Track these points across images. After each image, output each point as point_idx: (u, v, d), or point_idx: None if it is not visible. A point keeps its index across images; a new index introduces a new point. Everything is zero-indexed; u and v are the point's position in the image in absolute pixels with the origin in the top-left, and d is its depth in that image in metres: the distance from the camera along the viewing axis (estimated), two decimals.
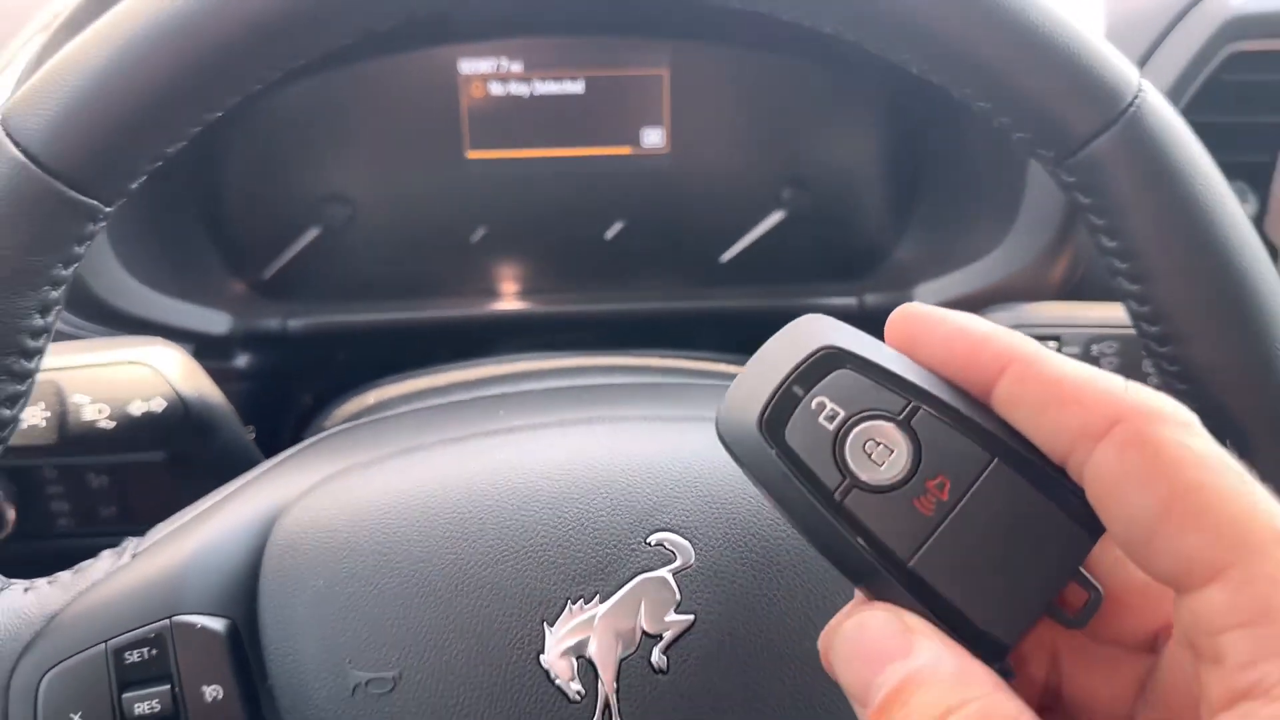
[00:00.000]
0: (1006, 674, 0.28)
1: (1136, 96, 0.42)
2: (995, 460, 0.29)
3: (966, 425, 0.29)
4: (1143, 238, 0.43)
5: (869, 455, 0.30)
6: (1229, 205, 0.43)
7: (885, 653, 0.28)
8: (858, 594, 0.31)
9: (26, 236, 0.40)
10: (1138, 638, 0.31)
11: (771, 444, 0.30)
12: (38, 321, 0.41)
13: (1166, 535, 0.25)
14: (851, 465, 0.30)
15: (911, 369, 0.31)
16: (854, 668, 0.28)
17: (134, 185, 0.42)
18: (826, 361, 0.31)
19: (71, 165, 0.40)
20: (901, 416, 0.30)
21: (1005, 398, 0.29)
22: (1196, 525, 0.25)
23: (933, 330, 0.30)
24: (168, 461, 0.72)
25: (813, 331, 0.31)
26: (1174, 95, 0.66)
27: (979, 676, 0.27)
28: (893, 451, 0.30)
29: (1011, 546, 0.28)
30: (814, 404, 0.30)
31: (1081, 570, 0.29)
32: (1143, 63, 0.67)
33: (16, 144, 0.39)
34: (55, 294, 0.42)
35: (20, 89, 0.41)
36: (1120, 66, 0.42)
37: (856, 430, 0.30)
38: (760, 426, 0.30)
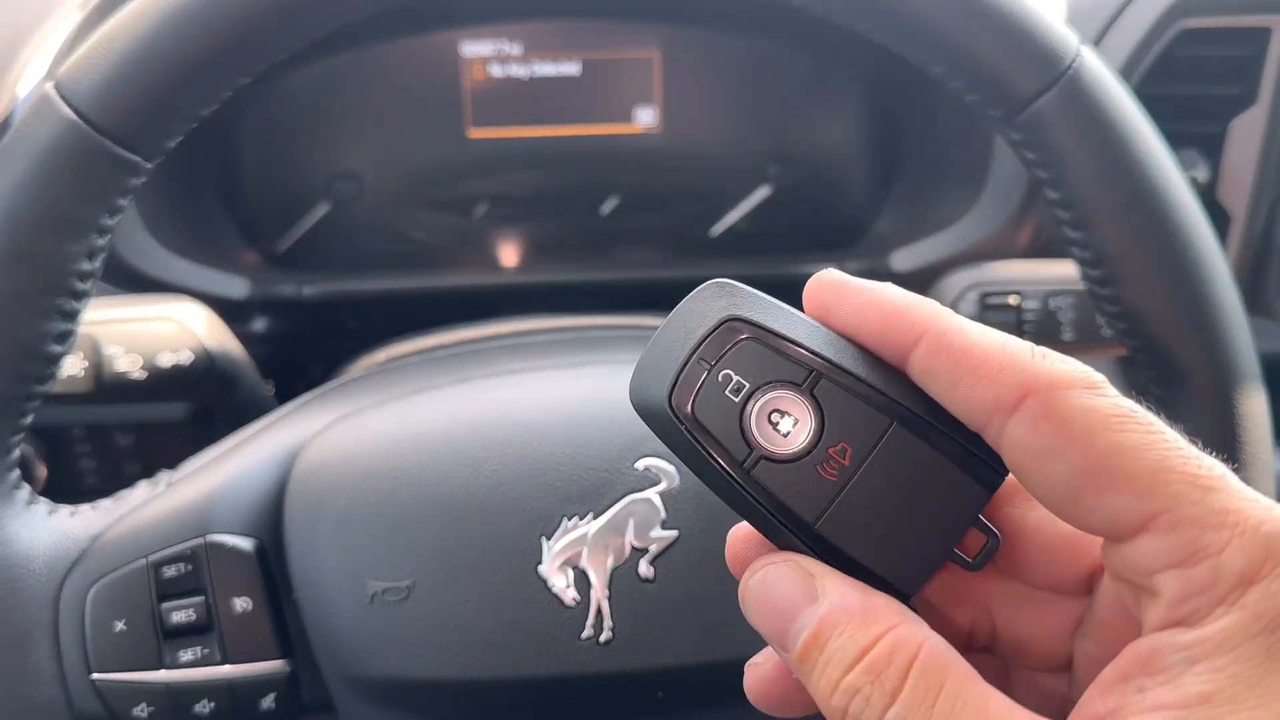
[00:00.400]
0: None
1: (1075, 59, 0.46)
2: (894, 424, 0.30)
3: (866, 391, 0.30)
4: (1083, 188, 0.47)
5: (775, 426, 0.30)
6: (1162, 158, 0.47)
7: (792, 602, 0.29)
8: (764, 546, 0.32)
9: (77, 187, 0.44)
10: (1071, 581, 0.32)
11: (680, 420, 0.31)
12: (85, 266, 0.46)
13: (1089, 498, 0.26)
14: (758, 438, 0.30)
15: (815, 336, 0.31)
16: (768, 619, 0.29)
17: (171, 143, 0.46)
18: (731, 332, 0.31)
19: (117, 124, 0.44)
20: (804, 384, 0.30)
21: (919, 369, 0.29)
22: (1116, 486, 0.26)
23: (848, 299, 0.31)
24: (189, 420, 0.77)
25: (718, 300, 0.32)
26: (1128, 69, 0.69)
27: (884, 610, 0.28)
28: (797, 421, 0.30)
29: (911, 504, 0.30)
30: (720, 376, 0.31)
31: (981, 518, 0.31)
32: (1099, 39, 0.71)
33: (70, 105, 0.43)
34: (101, 242, 0.46)
35: (71, 58, 0.45)
36: (1060, 32, 0.46)
37: (761, 401, 0.30)
38: (669, 402, 0.31)
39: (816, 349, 0.31)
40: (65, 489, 0.80)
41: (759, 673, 0.33)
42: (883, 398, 0.30)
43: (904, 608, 0.29)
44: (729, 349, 0.31)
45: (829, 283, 0.31)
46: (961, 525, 0.30)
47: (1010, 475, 0.30)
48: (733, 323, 0.31)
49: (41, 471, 0.78)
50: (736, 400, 0.31)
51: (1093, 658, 0.31)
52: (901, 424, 0.30)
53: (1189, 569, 0.25)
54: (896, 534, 0.30)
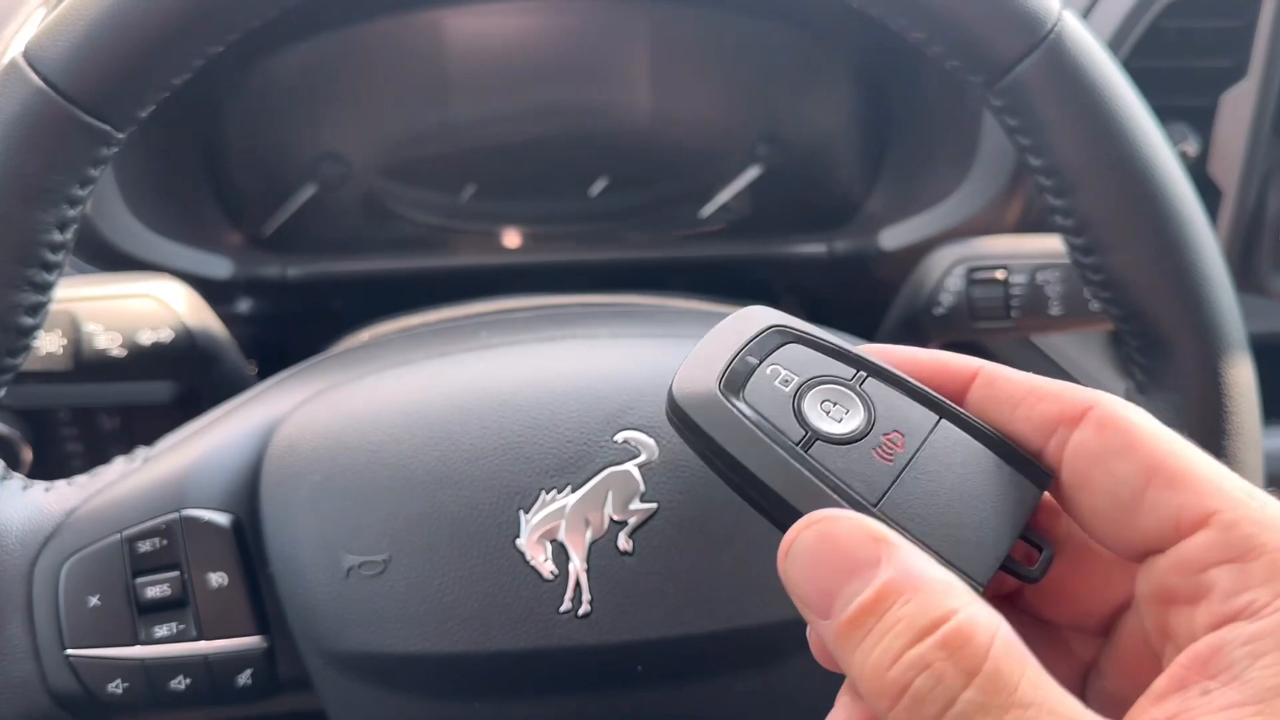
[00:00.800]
0: None
1: (1056, 24, 0.45)
2: (941, 420, 0.31)
3: (911, 391, 0.31)
4: (1065, 154, 0.47)
5: (826, 413, 0.31)
6: (1145, 124, 0.47)
7: (854, 561, 0.26)
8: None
9: (47, 157, 0.44)
10: (1094, 619, 0.32)
11: (731, 403, 0.31)
12: (57, 237, 0.45)
13: (1154, 494, 0.27)
14: (812, 420, 0.31)
15: (853, 344, 0.33)
16: (816, 576, 0.27)
17: (143, 113, 0.45)
18: (776, 337, 0.32)
19: (87, 93, 0.43)
20: (851, 381, 0.32)
21: (978, 399, 0.31)
22: (1180, 484, 0.27)
23: (898, 354, 0.33)
24: (175, 402, 0.76)
25: (758, 316, 0.33)
26: (1117, 42, 0.69)
27: (959, 587, 0.26)
28: (848, 410, 0.31)
29: (969, 495, 0.30)
30: (769, 370, 0.32)
31: (1031, 531, 0.31)
32: (1087, 11, 0.70)
33: (38, 74, 0.43)
34: (72, 212, 0.45)
35: (40, 26, 0.45)
36: None
37: (813, 392, 0.31)
38: (720, 387, 0.31)
39: (861, 354, 0.32)
40: (51, 472, 0.80)
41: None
42: (928, 396, 0.31)
43: (974, 592, 0.27)
44: (776, 349, 0.32)
45: (877, 350, 0.33)
46: (1019, 520, 0.30)
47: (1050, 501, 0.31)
48: (777, 328, 0.33)
49: (27, 454, 0.78)
50: (788, 390, 0.31)
51: (1110, 694, 0.31)
52: (949, 420, 0.31)
53: (1245, 563, 0.25)
54: (959, 522, 0.29)
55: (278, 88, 0.83)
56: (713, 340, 0.33)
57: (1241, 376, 0.49)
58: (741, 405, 0.31)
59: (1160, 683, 0.26)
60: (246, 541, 0.48)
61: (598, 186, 0.89)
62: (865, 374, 0.32)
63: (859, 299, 0.80)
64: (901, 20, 0.46)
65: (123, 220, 0.74)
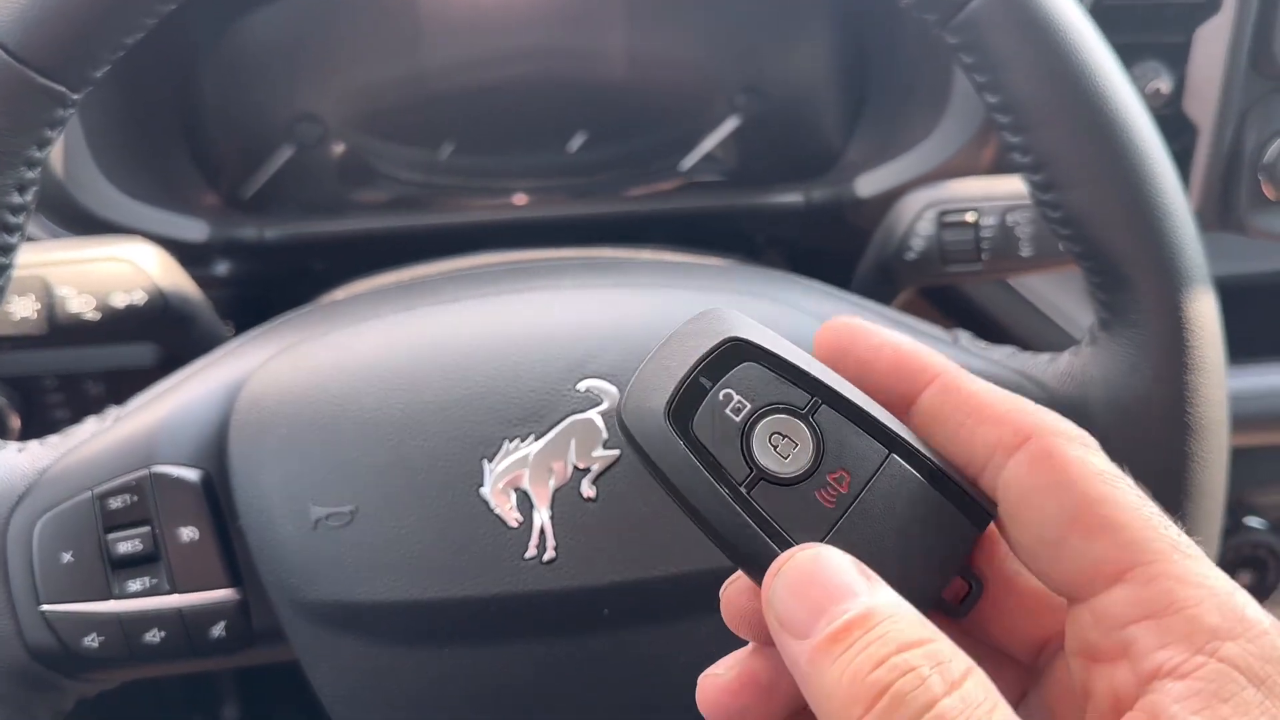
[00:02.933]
0: None
1: None
2: (891, 455, 0.30)
3: (865, 421, 0.30)
4: (1020, 90, 0.46)
5: (774, 448, 0.30)
6: (1101, 58, 0.46)
7: (846, 586, 0.27)
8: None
9: (2, 120, 0.44)
10: (1023, 645, 0.31)
11: (679, 435, 0.30)
12: (16, 199, 0.45)
13: (1074, 541, 0.27)
14: (758, 457, 0.30)
15: (814, 364, 0.31)
16: (807, 595, 0.27)
17: (98, 74, 0.45)
18: (733, 353, 0.31)
19: (39, 54, 0.43)
20: (804, 410, 0.30)
21: (926, 409, 0.31)
22: (1101, 532, 0.26)
23: (863, 340, 0.32)
24: (158, 367, 0.77)
25: (719, 324, 0.32)
26: None
27: (934, 627, 0.26)
28: (796, 444, 0.30)
29: (907, 537, 0.30)
30: (721, 395, 0.30)
31: (966, 565, 0.31)
32: None
33: None
34: (31, 175, 0.46)
35: None
36: None
37: (763, 423, 0.30)
38: (667, 417, 0.30)
39: (818, 376, 0.31)
40: (38, 437, 0.80)
41: (717, 684, 0.31)
42: (881, 429, 0.30)
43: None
44: (731, 369, 0.31)
45: (844, 325, 0.32)
46: (955, 562, 0.30)
47: (990, 527, 0.30)
48: (735, 343, 0.31)
49: (15, 422, 0.79)
50: (738, 420, 0.30)
51: None
52: (899, 455, 0.30)
53: (1163, 619, 0.25)
54: (892, 568, 0.29)
55: (252, 48, 0.83)
56: (668, 351, 0.31)
57: (1203, 310, 0.49)
58: (688, 437, 0.30)
59: None
60: (216, 496, 0.49)
61: (576, 142, 0.88)
62: (819, 400, 0.31)
63: (837, 248, 0.79)
64: None
65: (96, 185, 0.74)
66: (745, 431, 0.30)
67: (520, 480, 0.47)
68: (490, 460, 0.47)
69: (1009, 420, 0.29)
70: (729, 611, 0.32)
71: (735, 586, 0.32)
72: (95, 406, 0.79)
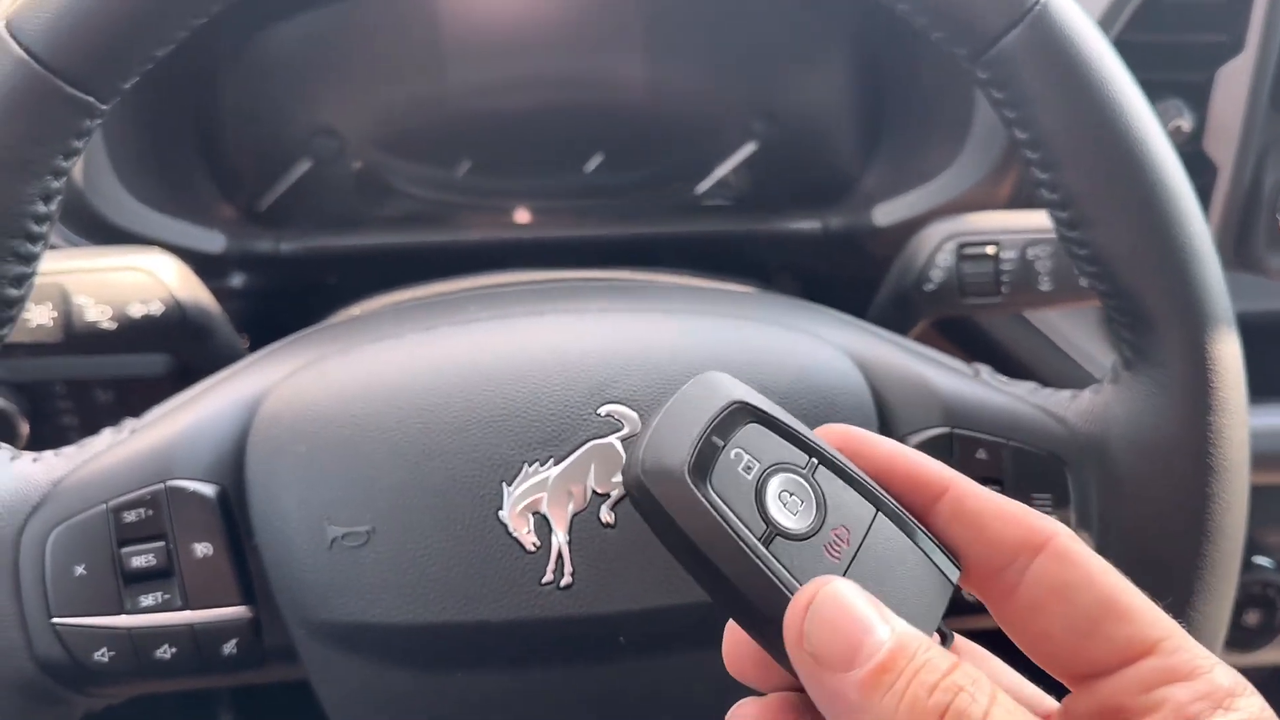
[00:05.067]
0: None
1: None
2: (878, 514, 0.32)
3: (854, 481, 0.33)
4: (1050, 127, 0.46)
5: (784, 504, 0.31)
6: (1131, 97, 0.47)
7: (867, 619, 0.29)
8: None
9: (30, 128, 0.44)
10: None
11: (699, 490, 0.31)
12: (41, 208, 0.45)
13: (1108, 626, 0.30)
14: (772, 513, 0.31)
15: (804, 427, 0.33)
16: (840, 629, 0.29)
17: (127, 85, 0.45)
18: (739, 415, 0.32)
19: (70, 63, 0.43)
20: (805, 470, 0.32)
21: (948, 512, 0.33)
22: (1131, 616, 0.30)
23: (870, 450, 0.34)
24: (169, 375, 0.77)
25: (719, 388, 0.33)
26: (1111, 15, 0.68)
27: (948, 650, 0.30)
28: (803, 502, 0.32)
29: (899, 589, 0.31)
30: (733, 454, 0.32)
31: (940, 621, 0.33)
32: None
33: (20, 43, 0.43)
34: (56, 184, 0.45)
35: None
36: None
37: (773, 481, 0.32)
38: (688, 473, 0.31)
39: (810, 438, 0.33)
40: (47, 445, 0.80)
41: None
42: (867, 488, 0.33)
43: None
44: (738, 429, 0.32)
45: (845, 435, 0.35)
46: (936, 613, 0.32)
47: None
48: (740, 405, 0.33)
49: (24, 428, 0.78)
50: (750, 478, 0.32)
51: None
52: (884, 514, 0.32)
53: (1190, 681, 0.29)
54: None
55: (273, 61, 0.83)
56: (675, 413, 0.32)
57: (1228, 352, 0.49)
58: (709, 493, 0.31)
59: None
60: (232, 512, 0.49)
61: (593, 162, 0.88)
62: (816, 461, 0.33)
63: (853, 276, 0.79)
64: None
65: (115, 194, 0.73)
66: (759, 489, 0.31)
67: (539, 504, 0.47)
68: (509, 483, 0.47)
69: (1029, 521, 0.32)
70: (731, 657, 0.35)
71: (735, 637, 0.35)
72: (104, 414, 0.79)
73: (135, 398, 0.78)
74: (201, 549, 0.48)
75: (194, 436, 0.49)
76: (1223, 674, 0.30)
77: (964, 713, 0.27)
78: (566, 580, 0.46)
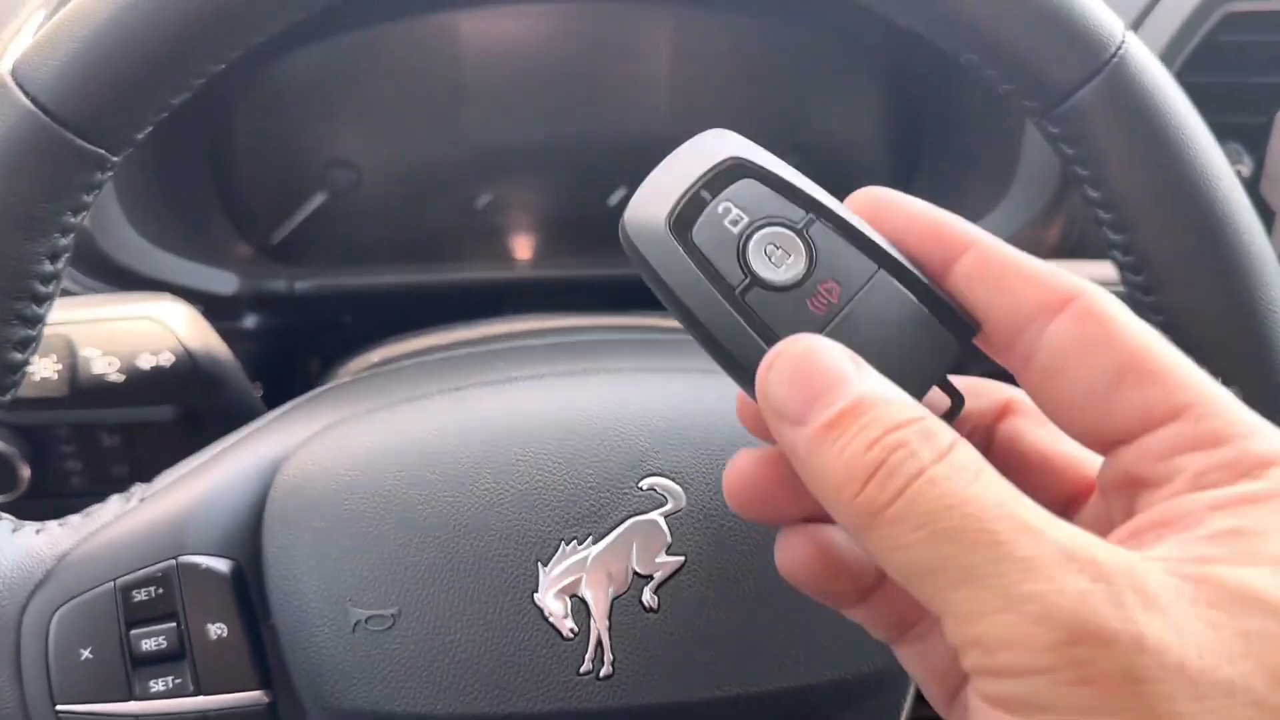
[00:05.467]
0: None
1: (1120, 47, 0.42)
2: (880, 270, 0.31)
3: (858, 238, 0.32)
4: (1125, 187, 0.44)
5: (769, 258, 0.31)
6: (1212, 155, 0.44)
7: (838, 374, 0.28)
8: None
9: (36, 184, 0.41)
10: (1052, 503, 0.31)
11: (679, 240, 0.31)
12: (48, 267, 0.42)
13: (1127, 390, 0.28)
14: (753, 264, 0.31)
15: (811, 185, 0.32)
16: (802, 384, 0.28)
17: (140, 135, 0.43)
18: (733, 171, 0.32)
19: (79, 114, 0.41)
20: (799, 225, 0.32)
21: (967, 271, 0.31)
22: (1153, 378, 0.27)
23: (898, 208, 0.32)
24: (178, 420, 0.74)
25: (721, 143, 0.33)
26: (1168, 56, 0.66)
27: (923, 408, 0.28)
28: (790, 255, 0.31)
29: (891, 347, 0.31)
30: (720, 208, 0.32)
31: (947, 379, 0.32)
32: (1138, 24, 0.67)
33: (26, 93, 0.40)
34: (64, 241, 0.43)
35: (29, 42, 0.42)
36: (1104, 18, 0.43)
37: (759, 234, 0.31)
38: (669, 224, 0.31)
39: (814, 195, 0.32)
40: (50, 490, 0.77)
41: (740, 469, 0.33)
42: (872, 245, 0.32)
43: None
44: (730, 185, 0.32)
45: (877, 192, 0.33)
46: (935, 374, 0.31)
47: (1013, 396, 0.33)
48: (736, 161, 0.32)
49: (25, 472, 0.76)
50: (735, 230, 0.32)
51: None
52: (887, 271, 0.31)
53: (1214, 449, 0.26)
54: (880, 372, 0.30)
55: (287, 92, 0.80)
56: (670, 167, 0.33)
57: None
58: (689, 243, 0.31)
59: (1116, 534, 0.28)
60: (248, 590, 0.46)
61: (616, 196, 0.86)
62: (814, 217, 0.32)
63: None
64: (953, 43, 0.44)
65: (123, 234, 0.71)
66: (742, 241, 0.32)
67: (577, 586, 0.44)
68: (545, 563, 0.44)
69: (1051, 282, 0.29)
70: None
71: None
72: (110, 458, 0.76)
73: (142, 442, 0.75)
74: (215, 630, 0.45)
75: (207, 507, 0.46)
76: (1261, 442, 0.26)
77: (896, 468, 0.26)
78: (606, 670, 0.43)
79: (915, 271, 0.31)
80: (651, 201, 0.32)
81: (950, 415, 0.32)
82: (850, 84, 0.84)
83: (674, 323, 0.67)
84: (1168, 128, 0.43)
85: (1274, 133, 0.68)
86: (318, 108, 0.81)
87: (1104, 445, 0.29)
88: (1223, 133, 0.68)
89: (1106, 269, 0.57)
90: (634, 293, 0.81)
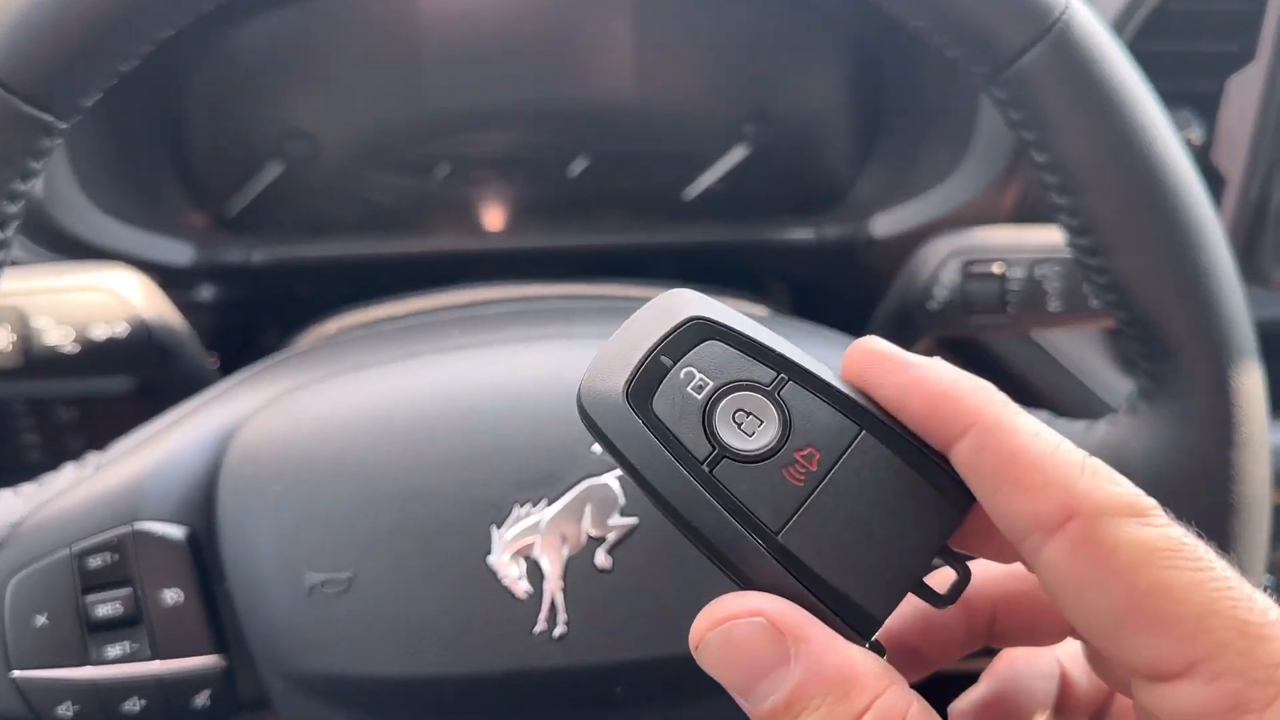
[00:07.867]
0: (879, 650, 0.28)
1: (1064, 12, 0.43)
2: (862, 432, 0.29)
3: (834, 397, 0.29)
4: (1071, 151, 0.44)
5: (739, 425, 0.29)
6: (1156, 119, 0.44)
7: (761, 661, 0.27)
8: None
9: None
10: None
11: (638, 413, 0.29)
12: None
13: (1128, 637, 0.25)
14: (721, 434, 0.29)
15: (780, 342, 0.30)
16: (731, 672, 0.27)
17: (88, 102, 0.42)
18: (694, 332, 0.30)
19: (26, 81, 0.40)
20: (770, 387, 0.29)
21: (963, 460, 0.28)
22: (1157, 628, 0.25)
23: (892, 374, 0.29)
24: (135, 394, 0.73)
25: (680, 304, 0.31)
26: (1121, 23, 0.66)
27: (866, 677, 0.26)
28: (762, 421, 0.29)
29: (881, 520, 0.28)
30: (682, 374, 0.29)
31: (950, 549, 0.29)
32: None
33: None
34: (13, 209, 0.42)
35: None
36: None
37: (726, 400, 0.29)
38: (626, 395, 0.29)
39: (783, 353, 0.30)
40: (8, 465, 0.77)
41: None
42: (852, 404, 0.29)
43: (887, 667, 0.27)
44: (693, 348, 0.30)
45: (870, 352, 0.30)
46: (933, 548, 0.29)
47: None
48: (697, 322, 0.30)
49: None
50: (699, 398, 0.29)
51: None
52: (871, 432, 0.29)
53: (1240, 716, 0.24)
54: (865, 551, 0.28)
55: (242, 60, 0.79)
56: (628, 332, 0.30)
57: (1251, 385, 0.46)
58: (649, 415, 0.29)
59: None
60: (203, 556, 0.46)
61: (577, 166, 0.85)
62: (785, 377, 0.29)
63: (849, 287, 0.77)
64: (900, 9, 0.44)
65: (77, 204, 0.70)
66: (707, 409, 0.29)
67: (530, 548, 0.44)
68: (499, 526, 0.44)
69: (1049, 492, 0.26)
70: None
71: None
72: (67, 432, 0.76)
73: (100, 416, 0.74)
74: (171, 595, 0.45)
75: (161, 474, 0.46)
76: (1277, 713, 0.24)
77: None
78: (560, 629, 0.44)
79: (901, 433, 0.29)
80: (607, 371, 0.30)
81: (956, 590, 0.30)
82: (812, 52, 0.84)
83: (631, 291, 0.68)
84: (1111, 91, 0.43)
85: (1225, 100, 0.69)
86: (273, 76, 0.80)
87: (1120, 673, 0.28)
88: (1175, 100, 0.69)
89: (1058, 235, 0.58)
90: (591, 262, 0.81)
